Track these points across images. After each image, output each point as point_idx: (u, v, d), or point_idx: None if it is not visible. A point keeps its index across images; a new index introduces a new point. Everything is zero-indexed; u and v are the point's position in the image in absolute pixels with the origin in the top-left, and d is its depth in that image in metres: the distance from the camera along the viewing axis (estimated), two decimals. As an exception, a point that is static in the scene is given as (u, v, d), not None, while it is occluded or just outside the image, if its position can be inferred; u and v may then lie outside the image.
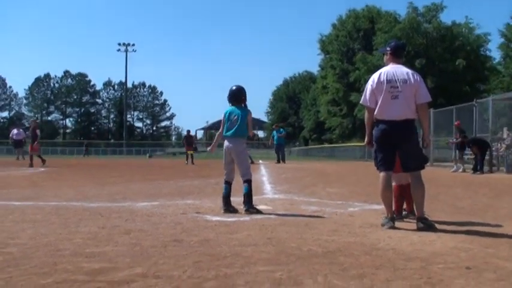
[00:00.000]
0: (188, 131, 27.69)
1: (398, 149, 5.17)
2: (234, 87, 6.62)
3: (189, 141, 26.19)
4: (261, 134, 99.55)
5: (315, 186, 10.87)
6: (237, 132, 6.39)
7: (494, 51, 42.84)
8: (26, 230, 4.78)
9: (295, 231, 4.81)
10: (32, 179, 12.81)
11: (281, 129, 26.96)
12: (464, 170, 17.94)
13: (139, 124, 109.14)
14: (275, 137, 25.63)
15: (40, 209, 6.31)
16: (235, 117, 6.42)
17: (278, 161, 24.97)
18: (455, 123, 19.23)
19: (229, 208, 6.23)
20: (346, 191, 9.15)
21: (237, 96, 6.56)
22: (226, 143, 6.48)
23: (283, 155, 25.49)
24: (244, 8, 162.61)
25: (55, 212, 6.03)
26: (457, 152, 18.73)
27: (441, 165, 21.21)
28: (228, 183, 6.39)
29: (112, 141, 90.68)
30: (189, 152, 25.40)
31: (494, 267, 3.44)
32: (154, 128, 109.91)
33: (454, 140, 18.56)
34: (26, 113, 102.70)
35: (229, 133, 6.44)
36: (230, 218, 5.69)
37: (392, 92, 5.08)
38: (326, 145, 59.01)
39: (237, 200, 6.62)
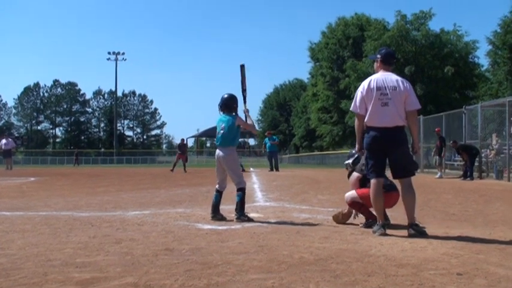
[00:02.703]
0: (182, 140, 27.71)
1: (389, 156, 5.20)
2: (225, 95, 6.59)
3: (182, 149, 26.19)
4: (251, 142, 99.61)
5: (306, 193, 10.88)
6: (225, 141, 6.40)
7: (482, 59, 43.30)
8: (15, 240, 4.74)
9: (287, 239, 4.82)
10: (21, 189, 12.71)
11: (274, 137, 26.63)
12: (440, 177, 18.23)
13: (129, 133, 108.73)
14: (267, 145, 25.07)
15: (30, 219, 6.27)
16: (222, 126, 6.44)
17: (271, 169, 24.42)
18: (436, 129, 19.44)
19: (217, 215, 6.24)
20: (337, 198, 9.15)
21: (228, 104, 6.54)
22: (217, 151, 6.49)
23: (277, 163, 25.09)
24: (234, 16, 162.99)
25: (45, 222, 5.99)
26: (437, 158, 18.97)
27: (431, 172, 21.31)
28: (219, 192, 6.40)
29: (102, 150, 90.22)
30: (181, 160, 25.59)
31: (485, 273, 3.45)
32: (144, 137, 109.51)
33: (437, 148, 18.94)
34: (15, 122, 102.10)
35: (218, 142, 6.47)
36: (221, 226, 5.69)
37: (382, 99, 5.11)
38: (317, 152, 59.11)
39: (227, 208, 6.61)
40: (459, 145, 17.76)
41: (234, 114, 6.52)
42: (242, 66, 6.67)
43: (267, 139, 25.49)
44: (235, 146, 6.49)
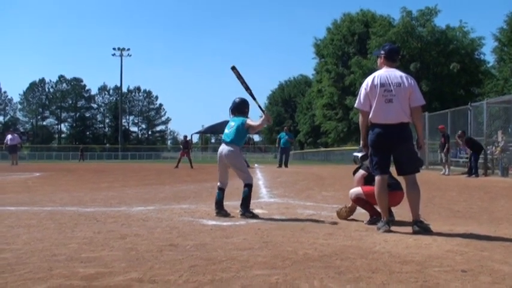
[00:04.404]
0: (185, 137, 27.75)
1: (394, 153, 5.19)
2: (237, 99, 6.63)
3: (185, 145, 26.25)
4: (256, 138, 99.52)
5: (310, 189, 10.88)
6: (231, 139, 6.40)
7: (488, 55, 43.12)
8: (21, 235, 4.76)
9: (291, 235, 4.82)
10: (27, 184, 12.76)
11: (290, 134, 26.10)
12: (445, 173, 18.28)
13: (134, 129, 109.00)
14: (282, 140, 23.98)
15: (35, 214, 6.29)
16: (232, 124, 6.47)
17: (280, 165, 23.75)
18: (440, 126, 19.39)
19: (221, 211, 6.25)
20: (341, 194, 9.14)
21: (240, 108, 6.59)
22: (220, 148, 6.49)
23: (287, 159, 24.43)
24: (239, 12, 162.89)
25: (50, 217, 6.01)
26: (442, 155, 18.94)
27: (436, 169, 21.27)
28: (221, 190, 6.39)
29: (107, 145, 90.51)
30: (185, 157, 25.63)
31: (489, 270, 3.45)
32: (149, 133, 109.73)
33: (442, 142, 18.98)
34: (21, 118, 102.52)
35: (224, 138, 6.47)
36: (226, 222, 5.69)
37: (386, 96, 5.09)
38: (322, 149, 59.03)
39: (232, 204, 6.62)
40: (467, 137, 17.65)
41: (245, 117, 6.54)
42: (233, 68, 6.60)
43: (283, 133, 24.73)
44: (239, 146, 6.47)
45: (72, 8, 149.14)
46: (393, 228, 5.15)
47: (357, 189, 5.84)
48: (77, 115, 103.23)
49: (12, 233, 4.90)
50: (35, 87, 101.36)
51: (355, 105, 5.44)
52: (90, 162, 48.48)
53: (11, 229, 5.13)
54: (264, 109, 6.67)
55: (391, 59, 5.38)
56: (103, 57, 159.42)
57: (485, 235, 4.91)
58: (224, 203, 6.35)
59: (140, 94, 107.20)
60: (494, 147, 17.94)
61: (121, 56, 75.98)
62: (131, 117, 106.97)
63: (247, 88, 6.50)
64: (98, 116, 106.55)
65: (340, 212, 6.08)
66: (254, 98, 6.52)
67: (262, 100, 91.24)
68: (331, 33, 53.28)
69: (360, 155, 5.98)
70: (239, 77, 6.52)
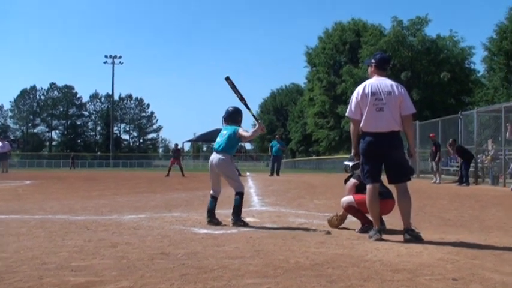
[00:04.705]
0: (176, 145, 27.75)
1: (385, 161, 5.20)
2: (230, 108, 6.63)
3: (175, 154, 26.28)
4: (248, 146, 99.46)
5: (302, 198, 10.87)
6: (222, 148, 6.39)
7: (478, 64, 43.46)
8: (10, 243, 4.73)
9: (283, 244, 4.81)
10: (17, 192, 12.67)
11: (282, 142, 25.98)
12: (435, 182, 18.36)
13: (126, 136, 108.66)
14: (274, 148, 24.02)
15: (25, 222, 6.25)
16: (224, 133, 6.46)
17: (272, 174, 23.61)
18: (431, 135, 19.52)
19: (213, 220, 6.23)
20: (333, 202, 9.14)
21: (233, 117, 6.58)
22: (211, 157, 6.48)
23: (279, 168, 24.37)
24: (231, 21, 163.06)
25: (40, 225, 5.97)
26: (433, 163, 19.04)
27: (427, 177, 21.35)
28: (214, 198, 6.38)
29: (98, 153, 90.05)
30: (175, 165, 25.61)
31: (480, 279, 3.46)
32: (141, 141, 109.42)
33: (432, 151, 19.12)
34: (11, 125, 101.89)
35: (216, 147, 6.47)
36: (217, 231, 5.68)
37: (377, 104, 5.12)
38: (313, 157, 59.06)
39: (224, 212, 6.60)
40: (458, 146, 17.74)
41: (238, 126, 6.53)
42: (227, 79, 6.58)
43: (274, 142, 24.70)
44: (230, 155, 6.46)
45: (64, 15, 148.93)
46: (384, 236, 5.16)
47: (349, 198, 5.86)
48: (68, 123, 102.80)
49: (2, 241, 4.87)
50: (26, 94, 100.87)
51: (346, 114, 5.46)
52: (81, 170, 48.20)
53: (1, 237, 5.10)
54: (258, 118, 6.67)
55: (381, 68, 5.41)
56: (95, 65, 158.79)
57: (476, 243, 4.93)
58: (216, 212, 6.34)
59: (132, 102, 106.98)
60: (484, 156, 18.06)
61: (113, 63, 75.98)
62: (123, 125, 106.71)
63: (241, 98, 6.49)
64: (89, 123, 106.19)
65: (331, 220, 6.09)
66: (248, 108, 6.51)
67: (254, 108, 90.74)
68: (322, 42, 53.46)
69: (351, 163, 6.00)
70: (233, 87, 6.51)
